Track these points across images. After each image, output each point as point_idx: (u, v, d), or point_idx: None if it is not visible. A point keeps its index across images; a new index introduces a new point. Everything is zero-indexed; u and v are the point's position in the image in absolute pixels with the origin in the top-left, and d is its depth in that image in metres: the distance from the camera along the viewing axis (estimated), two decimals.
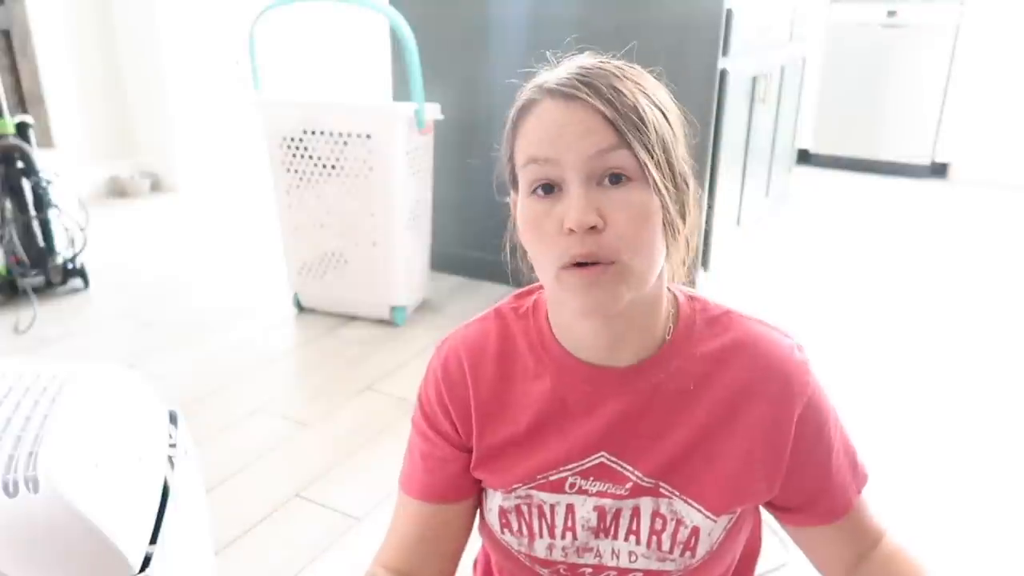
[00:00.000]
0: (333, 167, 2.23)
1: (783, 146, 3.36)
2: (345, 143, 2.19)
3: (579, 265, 0.62)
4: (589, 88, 0.62)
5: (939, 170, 4.24)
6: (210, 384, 2.03)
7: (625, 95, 0.62)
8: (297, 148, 2.25)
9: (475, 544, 0.90)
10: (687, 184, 0.67)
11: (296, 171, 2.29)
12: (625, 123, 0.61)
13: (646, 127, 0.62)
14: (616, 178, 0.62)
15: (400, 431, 1.81)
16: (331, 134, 2.20)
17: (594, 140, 0.61)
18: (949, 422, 1.87)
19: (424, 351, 2.19)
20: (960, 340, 2.31)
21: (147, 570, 0.77)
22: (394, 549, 0.78)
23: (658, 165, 0.62)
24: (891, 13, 4.09)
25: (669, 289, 0.73)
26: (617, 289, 0.63)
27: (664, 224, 0.64)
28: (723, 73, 2.29)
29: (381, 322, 2.39)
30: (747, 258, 2.93)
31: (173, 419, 1.00)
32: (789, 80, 3.20)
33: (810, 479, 0.71)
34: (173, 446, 0.96)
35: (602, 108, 0.61)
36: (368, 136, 2.16)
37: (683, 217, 0.66)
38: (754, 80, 2.64)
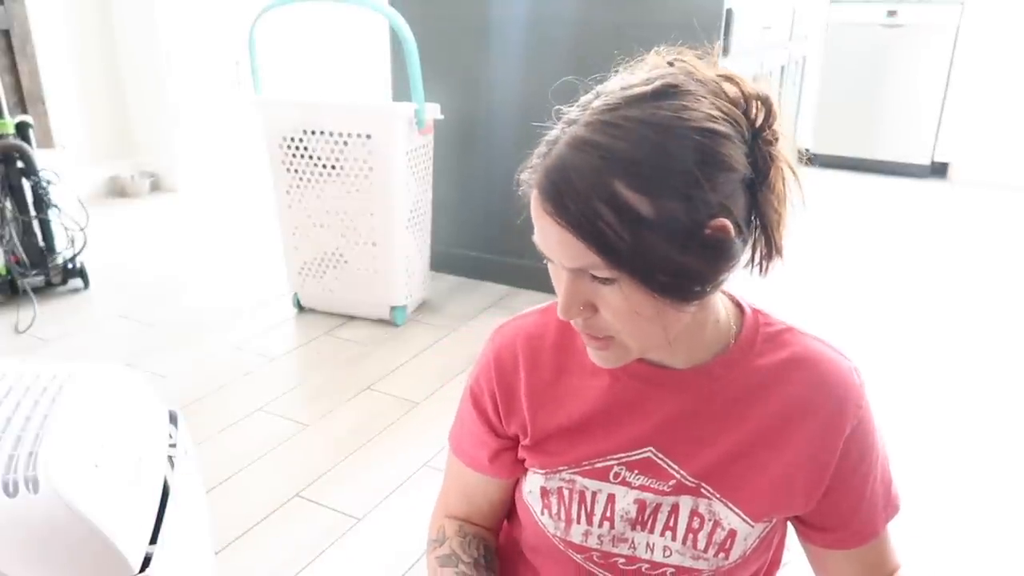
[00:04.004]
0: (333, 167, 2.23)
1: None
2: (345, 143, 2.19)
3: None
4: (556, 205, 0.58)
5: (939, 170, 4.24)
6: (210, 384, 2.02)
7: (599, 207, 0.57)
8: (297, 148, 2.25)
9: None
10: (713, 253, 0.62)
11: (296, 171, 2.29)
12: (604, 245, 0.57)
13: (622, 240, 0.57)
14: (602, 280, 0.61)
15: (400, 431, 1.81)
16: (331, 134, 2.20)
17: (571, 254, 0.60)
18: (948, 422, 1.87)
19: (424, 351, 2.19)
20: (960, 340, 2.31)
21: (147, 570, 0.77)
22: (452, 499, 0.86)
23: (645, 266, 0.58)
24: (891, 13, 4.09)
25: (734, 299, 0.74)
26: (618, 355, 0.67)
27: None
28: None
29: (381, 322, 2.39)
30: (746, 257, 2.93)
31: (173, 419, 1.00)
32: (789, 80, 3.20)
33: (845, 501, 0.72)
34: (173, 446, 0.96)
35: (580, 232, 0.58)
36: (368, 136, 2.16)
37: (711, 279, 0.63)
38: (754, 80, 2.64)
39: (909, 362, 2.17)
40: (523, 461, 0.79)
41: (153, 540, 0.82)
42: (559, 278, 0.64)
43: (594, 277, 0.61)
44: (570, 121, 0.62)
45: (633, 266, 0.59)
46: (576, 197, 0.58)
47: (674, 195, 0.58)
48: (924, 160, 4.22)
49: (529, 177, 0.63)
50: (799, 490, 0.71)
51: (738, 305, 0.74)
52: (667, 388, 0.71)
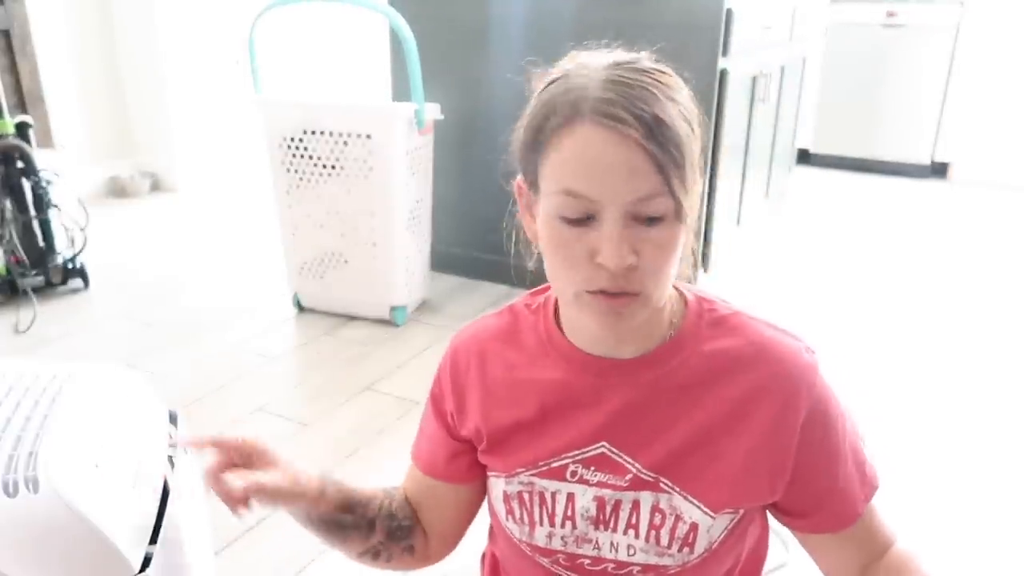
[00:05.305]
0: (333, 167, 2.23)
1: (783, 146, 3.36)
2: (345, 143, 2.19)
3: (603, 292, 0.63)
4: (636, 120, 0.59)
5: (939, 170, 4.24)
6: (210, 384, 2.02)
7: (667, 125, 0.60)
8: (297, 148, 2.25)
9: (483, 539, 0.90)
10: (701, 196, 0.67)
11: (296, 171, 2.29)
12: (668, 165, 0.60)
13: (684, 162, 0.61)
14: (652, 219, 0.61)
15: (400, 431, 1.81)
16: (331, 134, 2.20)
17: (638, 185, 0.60)
18: (948, 422, 1.87)
19: (424, 351, 2.19)
20: (960, 340, 2.31)
21: (147, 570, 0.77)
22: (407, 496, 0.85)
23: (689, 198, 0.62)
24: (891, 13, 4.09)
25: (677, 288, 0.74)
26: (636, 316, 0.65)
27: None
28: (723, 73, 2.29)
29: (381, 322, 2.39)
30: (747, 258, 2.93)
31: (173, 419, 1.00)
32: (789, 80, 3.20)
33: (816, 484, 0.71)
34: (173, 446, 0.96)
35: (649, 147, 0.59)
36: (368, 136, 2.16)
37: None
38: (754, 80, 2.64)
39: (909, 362, 2.17)
40: (485, 467, 0.80)
41: (153, 540, 0.82)
42: (605, 228, 0.61)
43: (641, 219, 0.61)
44: (584, 70, 0.63)
45: (684, 189, 0.61)
46: (650, 112, 0.59)
47: (697, 137, 0.64)
48: (924, 160, 4.22)
49: (571, 109, 0.61)
50: (762, 477, 0.70)
51: (680, 293, 0.74)
52: (616, 380, 0.71)
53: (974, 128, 4.06)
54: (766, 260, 2.98)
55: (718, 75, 2.26)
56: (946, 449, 1.76)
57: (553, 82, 0.65)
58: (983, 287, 2.73)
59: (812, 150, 4.47)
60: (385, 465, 1.68)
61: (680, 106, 0.62)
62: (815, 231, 3.37)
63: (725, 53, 2.25)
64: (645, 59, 0.65)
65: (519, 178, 0.70)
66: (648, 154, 0.59)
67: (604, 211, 0.61)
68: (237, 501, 0.66)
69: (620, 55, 0.65)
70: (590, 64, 0.63)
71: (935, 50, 4.03)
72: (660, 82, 0.62)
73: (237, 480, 0.66)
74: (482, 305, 2.48)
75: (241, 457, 0.71)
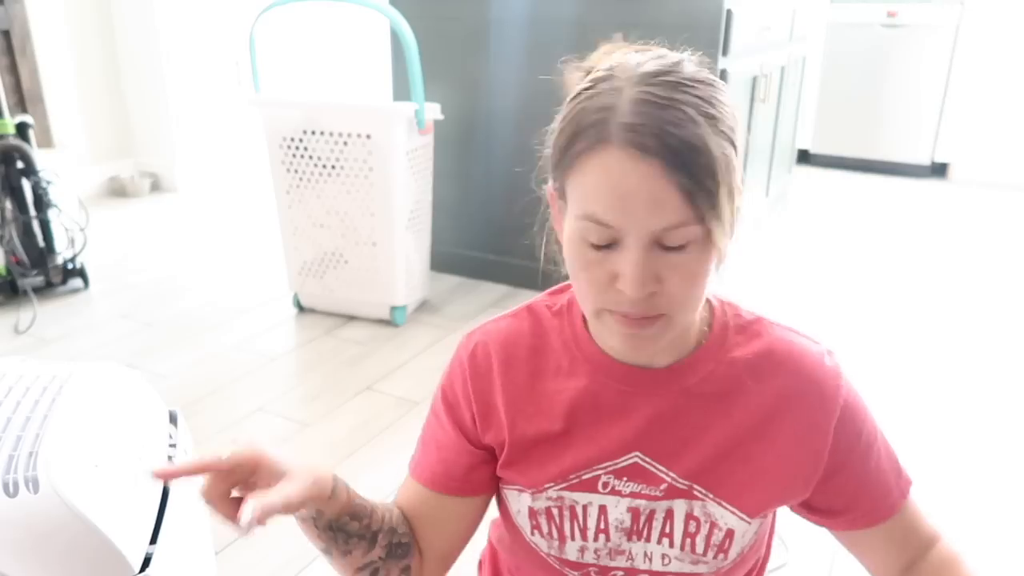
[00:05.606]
0: (333, 167, 2.23)
1: (783, 146, 3.37)
2: (345, 143, 2.19)
3: (623, 315, 0.62)
4: (664, 148, 0.56)
5: (939, 170, 4.24)
6: (210, 384, 2.03)
7: (699, 151, 0.56)
8: (297, 148, 2.25)
9: (480, 543, 0.90)
10: (740, 210, 0.64)
11: (296, 171, 2.29)
12: (698, 193, 0.57)
13: (718, 187, 0.58)
14: (678, 247, 0.59)
15: (400, 431, 1.81)
16: (331, 134, 2.20)
17: (663, 216, 0.57)
18: (949, 422, 1.87)
19: (424, 351, 2.19)
20: (960, 340, 2.31)
21: (147, 570, 0.77)
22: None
23: (722, 223, 0.59)
24: (891, 13, 4.09)
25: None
26: (658, 338, 0.64)
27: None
28: (723, 73, 2.29)
29: (381, 322, 2.39)
30: (747, 258, 2.93)
31: (173, 419, 1.00)
32: (789, 80, 3.20)
33: (851, 481, 0.71)
34: (173, 446, 0.96)
35: (675, 177, 0.56)
36: (368, 136, 2.16)
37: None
38: (754, 80, 2.64)
39: (910, 362, 2.17)
40: (500, 480, 0.76)
41: (153, 540, 0.82)
42: (625, 256, 0.59)
43: (665, 246, 0.59)
44: (617, 82, 0.59)
45: (716, 213, 0.58)
46: (683, 139, 0.56)
47: (733, 142, 0.60)
48: (924, 160, 4.22)
49: (601, 128, 0.57)
50: (795, 480, 0.70)
51: (707, 299, 0.73)
52: (647, 388, 0.70)
53: (973, 128, 4.06)
54: (766, 260, 2.98)
55: (718, 75, 2.26)
56: (945, 447, 1.76)
57: (586, 90, 0.61)
58: (983, 287, 2.73)
59: (812, 150, 4.47)
60: (385, 465, 1.68)
61: (718, 121, 0.59)
62: (815, 231, 3.37)
63: (725, 53, 2.25)
64: (687, 63, 0.61)
65: (551, 185, 0.67)
66: (675, 184, 0.56)
67: (626, 238, 0.59)
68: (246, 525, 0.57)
69: (659, 62, 0.61)
70: (624, 74, 0.60)
71: (935, 50, 4.03)
72: (698, 97, 0.58)
73: (248, 510, 0.56)
74: (482, 305, 2.48)
75: (241, 472, 0.61)
